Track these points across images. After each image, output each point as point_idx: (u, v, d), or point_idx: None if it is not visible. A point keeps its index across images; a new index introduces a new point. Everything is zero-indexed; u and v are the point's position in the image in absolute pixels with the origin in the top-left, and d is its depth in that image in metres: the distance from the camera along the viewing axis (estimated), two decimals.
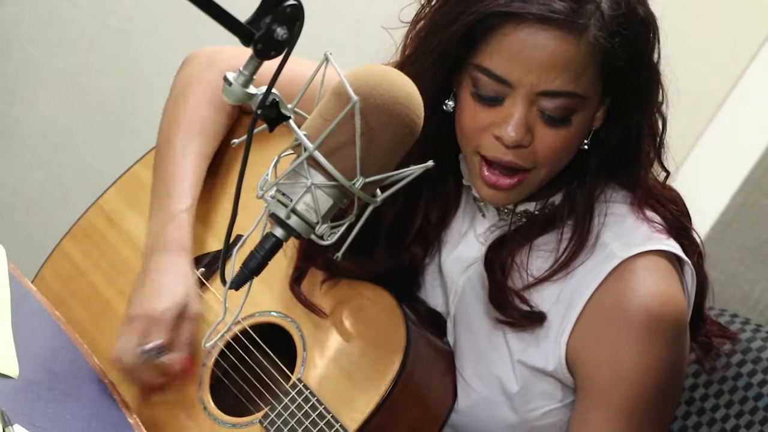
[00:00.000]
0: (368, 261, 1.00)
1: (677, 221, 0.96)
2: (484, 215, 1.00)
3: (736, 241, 1.05)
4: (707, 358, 1.01)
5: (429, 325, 1.01)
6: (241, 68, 0.72)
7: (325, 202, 0.73)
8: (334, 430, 0.94)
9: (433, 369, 1.00)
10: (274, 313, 1.03)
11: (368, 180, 0.72)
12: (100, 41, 1.68)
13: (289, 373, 0.99)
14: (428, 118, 0.87)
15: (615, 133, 0.95)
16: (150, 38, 1.66)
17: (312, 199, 0.72)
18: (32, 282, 1.10)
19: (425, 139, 0.87)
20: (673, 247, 0.94)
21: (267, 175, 0.74)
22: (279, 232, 0.73)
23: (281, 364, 1.00)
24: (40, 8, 1.67)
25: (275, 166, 0.74)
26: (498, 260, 0.96)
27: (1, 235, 1.58)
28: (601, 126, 0.95)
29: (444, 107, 0.95)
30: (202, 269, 1.05)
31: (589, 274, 0.93)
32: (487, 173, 0.92)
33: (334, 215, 0.74)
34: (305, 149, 0.72)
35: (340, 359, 0.99)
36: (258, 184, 0.74)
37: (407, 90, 0.74)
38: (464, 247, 1.00)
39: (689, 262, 0.95)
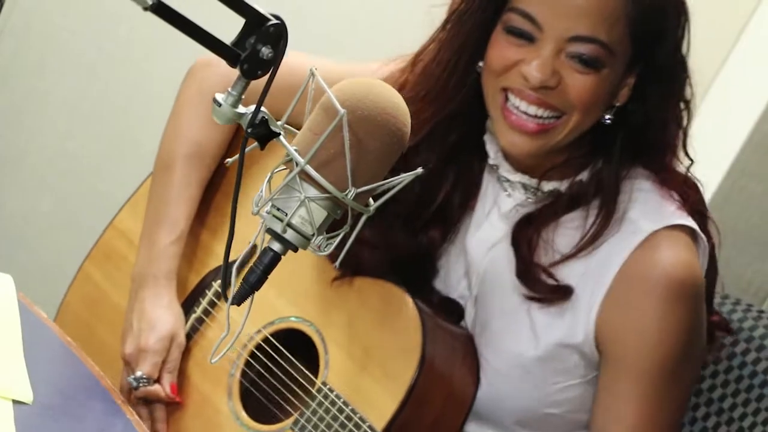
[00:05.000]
0: (384, 247, 1.01)
1: (697, 207, 0.99)
2: (509, 194, 1.01)
3: (726, 224, 1.07)
4: (711, 350, 1.03)
5: (444, 313, 1.03)
6: (229, 89, 0.74)
7: (320, 214, 0.75)
8: (362, 430, 0.95)
9: (453, 357, 1.01)
10: (293, 318, 1.05)
11: (360, 190, 0.74)
12: (100, 67, 1.71)
13: (313, 378, 1.01)
14: (458, 86, 0.93)
15: (640, 112, 0.97)
16: (148, 61, 1.69)
17: (306, 212, 0.74)
18: (59, 308, 1.12)
19: (452, 114, 0.94)
20: (694, 225, 0.97)
21: (261, 191, 0.75)
22: (276, 246, 0.75)
23: (305, 369, 1.03)
24: (38, 39, 1.70)
25: (269, 181, 0.76)
26: (525, 237, 0.98)
27: (13, 262, 1.62)
28: (626, 103, 0.97)
29: (477, 67, 0.97)
30: (219, 281, 1.07)
31: (616, 248, 0.96)
32: (511, 115, 0.94)
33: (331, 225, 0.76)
34: (297, 164, 0.73)
35: (361, 358, 1.01)
36: (253, 200, 0.75)
37: (393, 100, 0.76)
38: (488, 227, 1.02)
39: (705, 242, 0.98)
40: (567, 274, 0.97)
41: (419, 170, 0.76)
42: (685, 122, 1.00)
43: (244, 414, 1.03)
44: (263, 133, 0.74)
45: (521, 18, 0.93)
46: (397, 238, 1.02)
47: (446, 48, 0.99)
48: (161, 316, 1.05)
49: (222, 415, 1.05)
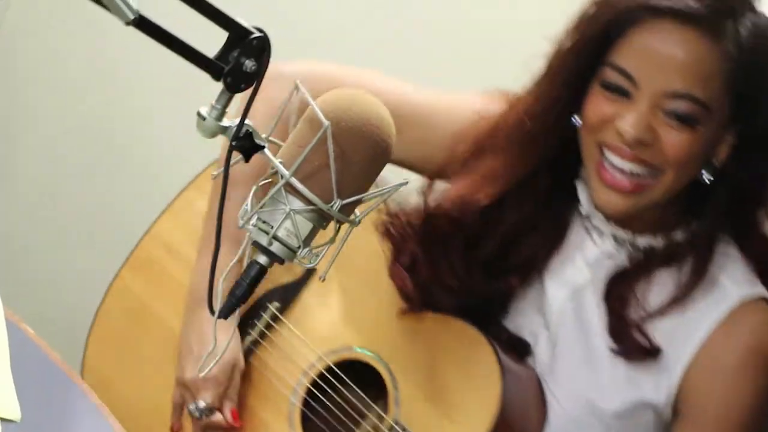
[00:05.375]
0: (461, 290, 1.00)
1: None
2: (596, 243, 1.01)
3: None
4: None
5: (512, 352, 1.02)
6: (213, 102, 0.74)
7: (305, 226, 0.75)
8: None
9: (525, 396, 1.01)
10: (357, 349, 1.03)
11: (345, 202, 0.74)
12: (88, 82, 1.71)
13: (383, 414, 1.00)
14: (554, 137, 0.95)
15: (738, 173, 0.96)
16: (138, 77, 1.69)
17: (292, 224, 0.74)
18: (96, 314, 1.11)
19: (547, 162, 0.95)
20: None
21: (247, 204, 0.75)
22: (262, 259, 0.75)
23: (374, 405, 1.01)
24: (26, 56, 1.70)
25: (254, 194, 0.76)
26: (618, 293, 0.99)
27: (6, 282, 1.61)
28: (726, 163, 0.96)
29: (572, 120, 0.97)
30: (276, 303, 1.06)
31: (705, 312, 0.97)
32: (607, 172, 0.94)
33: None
34: (282, 176, 0.74)
35: (435, 398, 0.99)
36: (238, 214, 0.75)
37: (378, 111, 0.76)
38: (572, 271, 1.02)
39: None
40: (656, 331, 0.98)
41: (405, 181, 0.76)
42: None
43: None
44: (248, 146, 0.74)
45: (617, 74, 0.93)
46: (475, 283, 1.01)
47: (543, 100, 0.99)
48: (223, 342, 1.02)
49: (277, 424, 1.03)
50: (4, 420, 0.86)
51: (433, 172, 1.06)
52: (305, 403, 1.04)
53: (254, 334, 1.07)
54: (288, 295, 1.06)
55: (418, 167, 1.08)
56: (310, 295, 1.05)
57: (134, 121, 1.68)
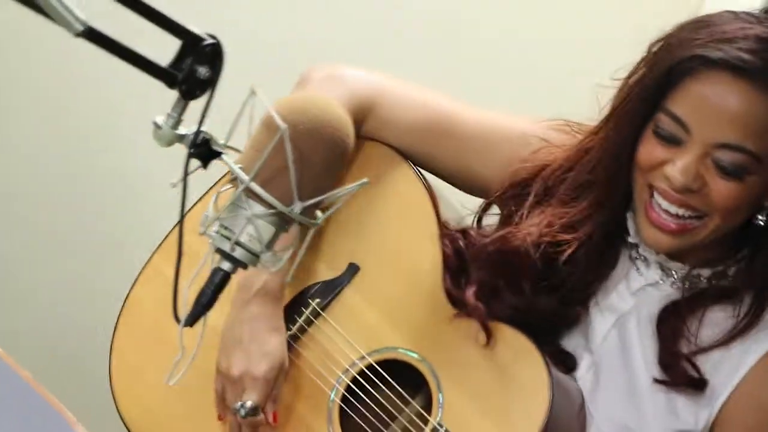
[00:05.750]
0: (520, 307, 1.01)
1: None
2: (640, 272, 1.02)
3: None
4: None
5: (560, 365, 1.02)
6: (169, 111, 0.74)
7: (267, 230, 0.75)
8: None
9: (571, 410, 1.01)
10: (402, 350, 1.02)
11: (305, 204, 0.74)
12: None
13: (427, 416, 0.99)
14: (615, 173, 0.97)
15: None
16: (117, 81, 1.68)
17: (254, 229, 0.74)
18: (126, 301, 1.10)
19: (609, 192, 0.98)
20: None
21: (208, 211, 0.75)
22: (226, 265, 0.75)
23: (418, 406, 1.01)
24: None
25: (215, 202, 0.75)
26: (671, 324, 1.00)
27: None
28: None
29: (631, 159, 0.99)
30: (318, 299, 1.05)
31: (755, 345, 0.98)
32: (654, 212, 0.96)
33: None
34: (241, 182, 0.74)
35: (482, 403, 0.99)
36: (200, 221, 0.75)
37: (335, 112, 0.76)
38: (616, 298, 1.03)
39: None
40: (703, 363, 0.99)
41: (365, 180, 0.76)
42: None
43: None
44: (206, 153, 0.74)
45: (671, 120, 0.94)
46: (538, 306, 1.02)
47: (616, 139, 1.00)
48: (273, 342, 1.02)
49: (317, 421, 1.03)
50: None
51: (488, 193, 1.08)
52: (344, 400, 1.03)
53: (294, 329, 1.06)
54: (329, 291, 1.06)
55: (468, 185, 1.10)
56: (353, 293, 1.04)
57: (113, 128, 1.68)
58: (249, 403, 1.01)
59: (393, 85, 1.08)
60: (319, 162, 0.75)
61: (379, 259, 1.06)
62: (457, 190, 1.11)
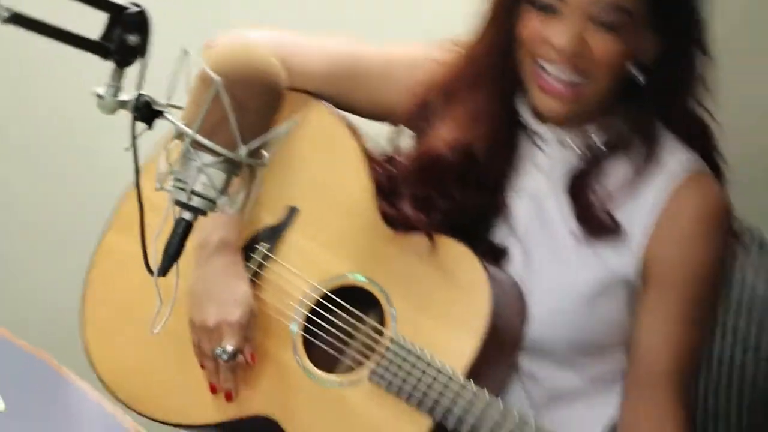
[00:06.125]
0: (438, 211, 1.09)
1: (711, 150, 1.10)
2: (544, 150, 1.10)
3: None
4: None
5: (492, 261, 1.09)
6: (108, 81, 0.79)
7: (219, 177, 0.80)
8: (444, 374, 1.01)
9: (509, 301, 1.08)
10: (349, 276, 1.09)
11: (250, 147, 0.80)
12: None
13: (384, 330, 1.06)
14: (500, 59, 1.05)
15: (667, 69, 1.05)
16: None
17: (207, 178, 0.80)
18: (87, 278, 1.17)
19: (482, 84, 1.06)
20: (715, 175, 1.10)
21: (160, 167, 0.81)
22: (186, 215, 0.81)
23: (374, 322, 1.08)
24: None
25: (166, 157, 0.81)
26: (580, 187, 1.08)
27: None
28: (654, 61, 1.05)
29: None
30: (266, 245, 1.12)
31: (658, 189, 1.07)
32: (543, 81, 1.03)
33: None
34: (187, 136, 0.79)
35: (431, 310, 1.06)
36: (155, 177, 0.81)
37: (263, 57, 0.82)
38: (528, 179, 1.10)
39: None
40: (617, 213, 1.07)
41: (295, 119, 0.82)
42: (705, 75, 1.07)
43: (313, 367, 1.08)
44: (149, 114, 0.80)
45: None
46: (468, 206, 1.09)
47: (490, 32, 1.08)
48: (241, 288, 1.09)
49: (291, 369, 1.09)
50: None
51: (397, 119, 1.15)
52: (306, 330, 1.10)
53: (249, 275, 1.12)
54: (274, 235, 1.13)
55: (383, 117, 1.17)
56: (296, 233, 1.11)
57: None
58: (229, 348, 1.08)
59: (293, 39, 1.16)
60: (256, 106, 0.80)
61: (313, 197, 1.13)
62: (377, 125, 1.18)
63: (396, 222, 1.09)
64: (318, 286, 1.10)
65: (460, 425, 1.01)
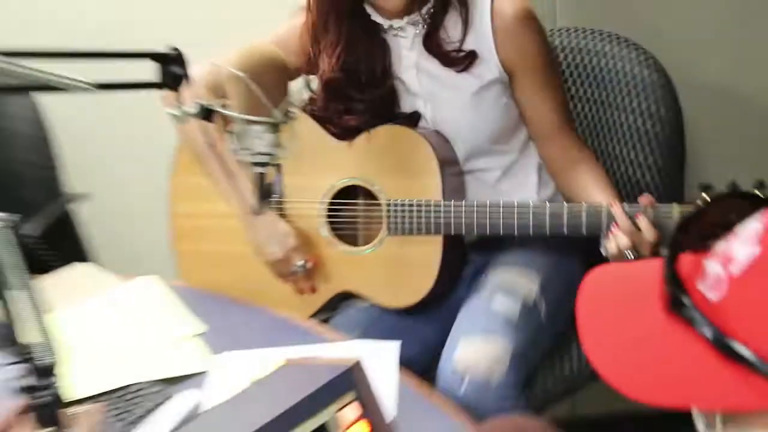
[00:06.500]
0: (362, 111, 1.53)
1: None
2: (401, 34, 1.52)
3: None
4: None
5: (414, 123, 1.54)
6: (178, 104, 1.16)
7: (269, 137, 1.19)
8: (430, 205, 1.46)
9: (440, 140, 1.53)
10: (336, 183, 1.53)
11: (279, 109, 1.17)
12: None
13: (380, 201, 1.50)
14: (330, 4, 1.47)
15: None
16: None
17: (262, 141, 1.18)
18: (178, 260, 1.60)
19: (341, 9, 1.47)
20: None
21: (232, 145, 1.19)
22: (260, 168, 1.20)
23: (371, 202, 1.53)
24: None
25: (235, 138, 1.19)
26: (433, 44, 1.51)
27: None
28: None
29: None
30: (275, 195, 1.53)
31: (481, 17, 1.49)
32: None
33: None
34: (241, 120, 1.17)
35: (398, 173, 1.50)
36: (230, 152, 1.19)
37: (263, 48, 1.18)
38: (405, 58, 1.54)
39: None
40: (468, 46, 1.50)
41: (307, 79, 1.20)
42: None
43: (349, 247, 1.54)
44: (208, 113, 1.17)
45: None
46: (374, 98, 1.53)
47: None
48: (281, 225, 1.54)
49: (337, 256, 1.55)
50: (195, 335, 1.35)
51: (303, 72, 1.57)
52: (332, 230, 1.57)
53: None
54: (278, 186, 1.54)
55: (297, 75, 1.58)
56: (288, 178, 1.52)
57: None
58: (300, 262, 1.54)
59: (216, 63, 1.53)
60: (272, 82, 1.17)
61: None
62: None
63: (341, 135, 1.55)
64: (321, 200, 1.54)
65: (460, 229, 1.45)
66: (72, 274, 1.61)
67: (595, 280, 0.71)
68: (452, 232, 1.46)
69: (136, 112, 1.98)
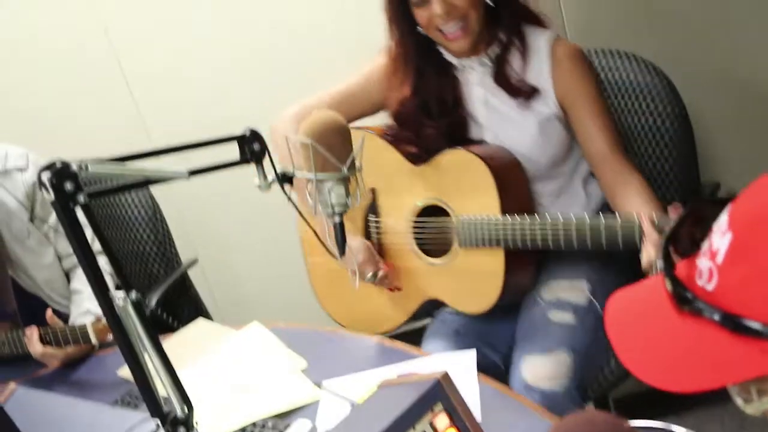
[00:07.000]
0: (440, 136, 1.77)
1: (544, 25, 1.77)
2: (473, 70, 1.75)
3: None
4: None
5: (477, 145, 1.77)
6: (259, 177, 1.34)
7: (340, 190, 1.35)
8: (491, 219, 1.65)
9: (503, 157, 1.74)
10: (417, 203, 1.77)
11: (346, 165, 1.34)
12: None
13: (452, 218, 1.72)
14: (414, 41, 1.73)
15: None
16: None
17: (335, 194, 1.35)
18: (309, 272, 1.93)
19: (417, 51, 1.75)
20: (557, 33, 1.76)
21: (310, 203, 1.36)
22: (337, 218, 1.37)
23: (444, 217, 1.75)
24: None
25: (315, 192, 1.36)
26: (502, 77, 1.73)
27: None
28: None
29: (418, 30, 1.72)
30: (373, 216, 1.85)
31: (540, 59, 1.72)
32: (446, 35, 1.69)
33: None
34: (314, 180, 1.34)
35: (463, 192, 1.71)
36: (309, 206, 1.37)
37: (326, 114, 1.35)
38: (476, 92, 1.76)
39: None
40: (530, 80, 1.71)
41: (363, 135, 1.37)
42: None
43: (432, 259, 1.76)
44: (287, 179, 1.35)
45: None
46: (446, 125, 1.75)
47: (397, 32, 1.75)
48: (355, 244, 1.78)
49: (424, 267, 1.77)
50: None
51: (384, 107, 1.84)
52: (419, 245, 1.79)
53: (374, 237, 1.85)
54: (373, 208, 1.83)
55: (378, 110, 1.86)
56: (381, 200, 1.79)
57: None
58: (370, 273, 1.76)
59: (307, 102, 1.86)
60: (337, 143, 1.34)
61: (377, 176, 1.83)
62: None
63: (415, 159, 1.76)
64: (408, 218, 1.75)
65: (516, 242, 1.61)
66: (193, 330, 1.82)
67: (614, 307, 0.81)
68: (510, 246, 1.63)
69: (227, 183, 2.22)
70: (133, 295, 1.10)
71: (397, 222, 1.77)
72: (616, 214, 1.53)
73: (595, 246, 1.51)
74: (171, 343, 1.75)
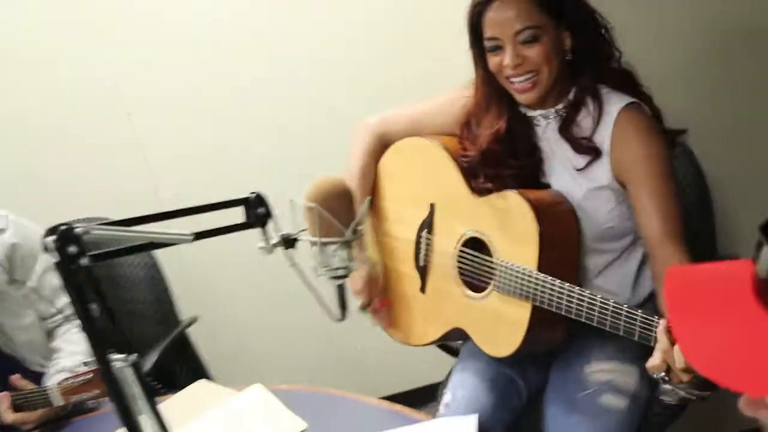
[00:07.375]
0: (510, 176, 1.75)
1: (638, 92, 1.71)
2: (546, 122, 1.74)
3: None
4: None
5: (543, 187, 1.76)
6: (263, 240, 1.34)
7: (343, 253, 1.36)
8: (530, 274, 1.62)
9: (557, 214, 1.71)
10: (467, 233, 1.77)
11: (350, 230, 1.35)
12: None
13: (492, 259, 1.71)
14: (492, 89, 1.72)
15: (580, 45, 1.67)
16: None
17: (338, 258, 1.36)
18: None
19: (491, 101, 1.75)
20: (634, 99, 1.69)
21: (316, 265, 1.37)
22: (339, 281, 1.37)
23: (487, 257, 1.74)
24: None
25: (318, 254, 1.37)
26: (568, 132, 1.71)
27: None
28: (572, 47, 1.67)
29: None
30: (426, 231, 1.87)
31: (607, 121, 1.67)
32: (515, 87, 1.68)
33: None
34: (317, 243, 1.35)
35: (510, 238, 1.69)
36: (314, 270, 1.37)
37: (331, 179, 1.37)
38: (545, 144, 1.74)
39: (642, 103, 1.70)
40: (595, 141, 1.67)
41: (368, 200, 1.38)
42: (609, 36, 1.68)
43: (469, 291, 1.77)
44: (291, 242, 1.36)
45: (488, 40, 1.66)
46: (520, 167, 1.75)
47: (479, 72, 1.75)
48: (360, 272, 1.81)
49: (459, 296, 1.79)
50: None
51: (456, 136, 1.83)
52: (460, 273, 1.80)
53: (422, 252, 1.88)
54: (428, 223, 1.85)
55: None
56: (437, 217, 1.85)
57: None
58: (359, 303, 1.80)
59: (387, 115, 1.92)
60: (340, 207, 1.35)
61: (438, 192, 1.86)
62: None
63: (480, 191, 1.76)
64: (455, 245, 1.80)
65: (543, 302, 1.59)
66: (194, 391, 1.80)
67: (679, 283, 0.70)
68: (537, 304, 1.61)
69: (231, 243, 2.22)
70: (132, 357, 1.10)
71: (447, 245, 1.79)
72: (639, 309, 1.43)
73: (613, 331, 1.46)
74: (172, 404, 1.74)
